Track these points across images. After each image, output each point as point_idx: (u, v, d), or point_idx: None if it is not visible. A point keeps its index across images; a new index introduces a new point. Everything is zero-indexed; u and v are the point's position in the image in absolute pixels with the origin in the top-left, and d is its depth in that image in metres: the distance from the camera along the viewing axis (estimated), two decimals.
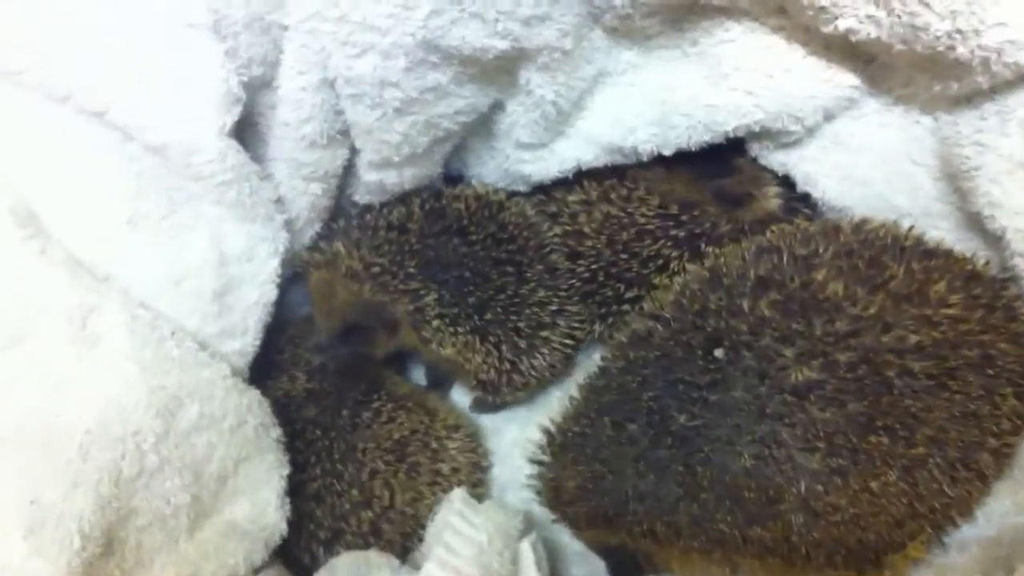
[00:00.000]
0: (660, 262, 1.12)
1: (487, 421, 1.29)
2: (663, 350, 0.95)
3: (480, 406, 1.28)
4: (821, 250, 0.93)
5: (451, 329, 1.11)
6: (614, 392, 0.98)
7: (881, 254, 0.93)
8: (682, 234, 1.12)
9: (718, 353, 0.91)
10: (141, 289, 0.88)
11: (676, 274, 1.09)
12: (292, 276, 1.13)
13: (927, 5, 0.81)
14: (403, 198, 1.14)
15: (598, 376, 1.02)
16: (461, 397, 1.30)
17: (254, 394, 0.96)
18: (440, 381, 1.29)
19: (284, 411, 1.06)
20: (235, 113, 0.89)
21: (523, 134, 1.07)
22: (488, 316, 1.11)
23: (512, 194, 1.19)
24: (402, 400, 1.16)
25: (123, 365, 0.82)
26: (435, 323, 1.11)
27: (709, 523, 0.90)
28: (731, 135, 1.03)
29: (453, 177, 1.21)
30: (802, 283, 0.91)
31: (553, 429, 1.04)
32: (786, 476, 0.87)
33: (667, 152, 1.06)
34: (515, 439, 1.26)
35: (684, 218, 1.12)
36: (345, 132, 1.01)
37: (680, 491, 0.91)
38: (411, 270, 1.10)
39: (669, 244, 1.12)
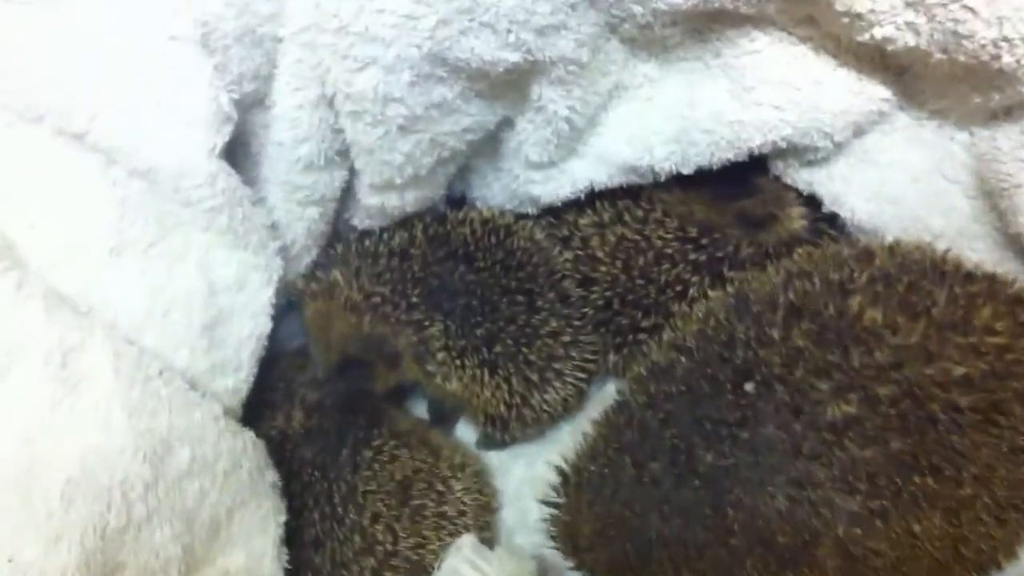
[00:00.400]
0: (679, 288, 1.09)
1: (494, 459, 1.25)
2: (687, 384, 0.91)
3: (487, 443, 1.24)
4: (856, 275, 0.89)
5: (457, 362, 1.08)
6: (634, 429, 0.94)
7: (920, 279, 0.89)
8: (702, 258, 1.09)
9: (748, 387, 0.87)
10: (126, 323, 0.85)
11: (696, 301, 1.05)
12: (286, 306, 1.10)
13: (973, 11, 0.78)
14: (404, 222, 1.11)
15: (616, 411, 0.98)
16: (466, 433, 1.27)
17: (248, 435, 0.93)
18: (444, 416, 1.25)
19: (279, 452, 1.04)
20: (225, 133, 0.86)
21: (533, 153, 1.04)
22: (497, 348, 1.08)
23: (519, 217, 1.16)
24: (404, 437, 1.13)
25: (108, 407, 0.79)
26: (440, 356, 1.08)
27: (739, 570, 0.87)
28: (755, 152, 0.99)
29: (456, 200, 1.19)
30: (837, 310, 0.87)
31: (567, 468, 1.00)
32: (823, 519, 0.83)
33: (686, 171, 1.02)
34: (524, 478, 1.22)
35: (704, 241, 1.09)
36: (344, 152, 0.97)
37: (708, 536, 0.87)
38: (414, 300, 1.07)
39: (688, 269, 1.09)
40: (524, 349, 1.08)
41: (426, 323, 1.07)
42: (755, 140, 0.97)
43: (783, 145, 0.98)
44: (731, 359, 0.89)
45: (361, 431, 1.11)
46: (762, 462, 0.85)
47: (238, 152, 0.94)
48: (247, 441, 0.93)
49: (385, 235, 1.11)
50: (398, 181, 0.99)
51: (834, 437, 0.83)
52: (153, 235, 0.88)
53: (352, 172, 1.02)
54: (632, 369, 1.02)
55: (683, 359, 0.93)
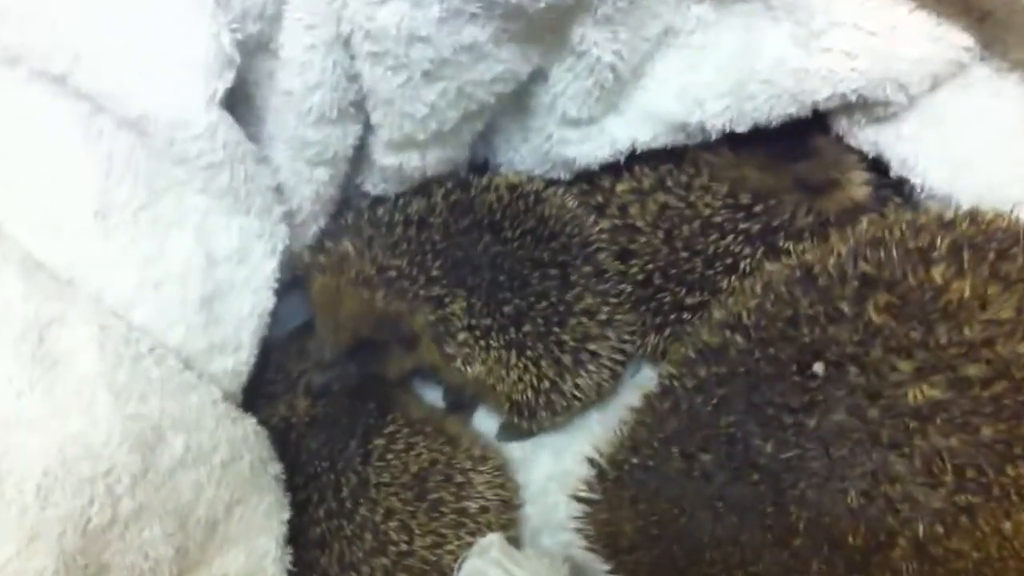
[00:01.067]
0: (728, 261, 1.04)
1: (516, 451, 1.19)
2: (745, 366, 0.86)
3: (509, 433, 1.19)
4: (938, 242, 0.82)
5: (481, 343, 1.03)
6: (682, 416, 0.89)
7: (1011, 246, 0.82)
8: (755, 228, 1.03)
9: (816, 368, 0.81)
10: (113, 296, 0.83)
11: (748, 275, 1.00)
12: (289, 282, 1.04)
13: None
14: (423, 188, 1.06)
15: (660, 397, 0.93)
16: (485, 421, 1.22)
17: (250, 423, 0.91)
18: (462, 403, 1.20)
19: (283, 442, 1.01)
20: (227, 79, 0.81)
21: (571, 107, 0.98)
22: (526, 327, 1.03)
23: (549, 183, 1.11)
24: (419, 425, 1.09)
25: (91, 390, 0.77)
26: (462, 336, 1.03)
27: (802, 574, 0.82)
28: (820, 106, 0.94)
29: (478, 167, 1.14)
30: (919, 282, 0.80)
31: (603, 461, 0.95)
32: (900, 517, 0.77)
33: (740, 129, 0.97)
34: (550, 472, 1.18)
35: (757, 209, 1.03)
36: (359, 104, 0.92)
37: (768, 536, 0.82)
38: (434, 273, 1.02)
39: (739, 240, 1.03)
40: (556, 328, 1.04)
41: (447, 300, 1.03)
42: (821, 92, 0.92)
43: (852, 99, 0.92)
44: (796, 338, 0.84)
45: (372, 418, 1.07)
46: (832, 453, 0.79)
47: (239, 106, 0.89)
48: (248, 429, 0.90)
49: (401, 202, 1.06)
50: (420, 137, 0.94)
51: (916, 424, 0.77)
52: (144, 196, 0.84)
53: (367, 128, 0.97)
54: (677, 351, 0.96)
55: (739, 338, 0.87)
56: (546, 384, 1.06)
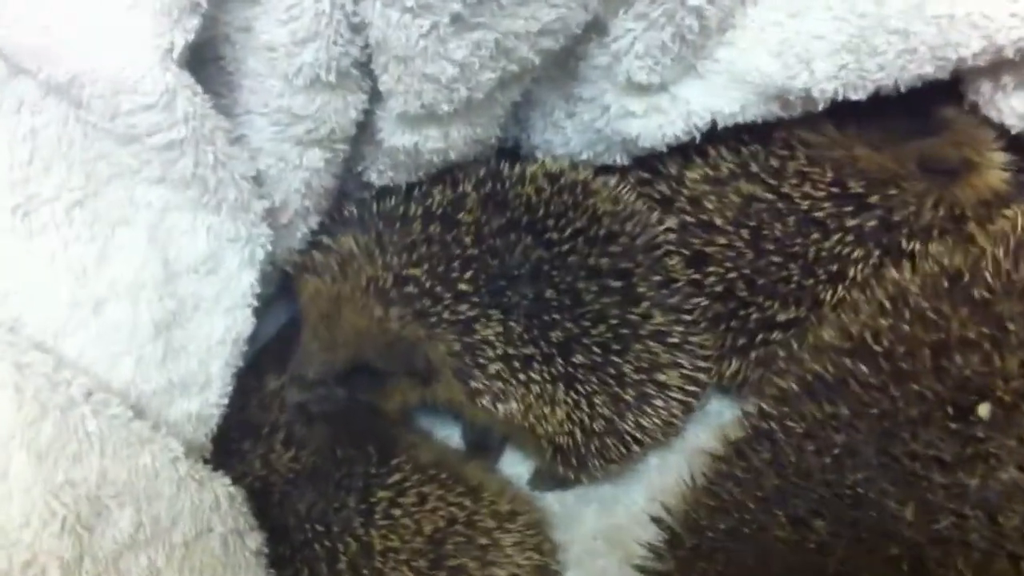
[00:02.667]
0: (834, 267, 0.96)
1: (554, 503, 1.12)
2: (876, 406, 0.80)
3: (545, 480, 1.12)
4: None
5: (519, 377, 0.94)
6: (789, 471, 0.83)
7: None
8: (870, 224, 0.95)
9: (981, 411, 0.76)
10: (35, 321, 0.78)
11: (861, 284, 0.93)
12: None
13: None
14: (443, 178, 0.98)
15: (753, 444, 0.88)
16: (514, 463, 1.15)
17: (220, 484, 0.86)
18: (485, 443, 1.13)
19: (262, 502, 0.96)
20: (189, 28, 0.74)
21: (638, 69, 0.90)
22: (578, 357, 0.94)
23: (598, 170, 1.03)
24: (432, 471, 1.02)
25: (5, 451, 0.72)
26: (494, 368, 0.94)
27: None
28: (968, 64, 0.85)
29: (506, 150, 1.06)
30: None
31: (675, 523, 0.91)
32: None
33: (857, 96, 0.89)
34: (597, 529, 1.10)
35: (873, 199, 0.95)
36: (364, 65, 0.84)
37: None
38: (462, 288, 0.93)
39: (850, 240, 0.95)
40: (615, 357, 0.96)
41: (477, 323, 0.94)
42: (970, 46, 0.82)
43: (1010, 54, 0.83)
44: (948, 369, 0.78)
45: (372, 465, 1.01)
46: (1001, 522, 0.74)
47: (207, 69, 0.84)
48: (219, 493, 0.85)
49: (418, 191, 0.98)
50: (444, 109, 0.85)
51: None
52: (80, 188, 0.80)
53: (373, 97, 0.89)
54: (772, 382, 0.91)
55: (863, 368, 0.81)
56: (600, 424, 0.98)
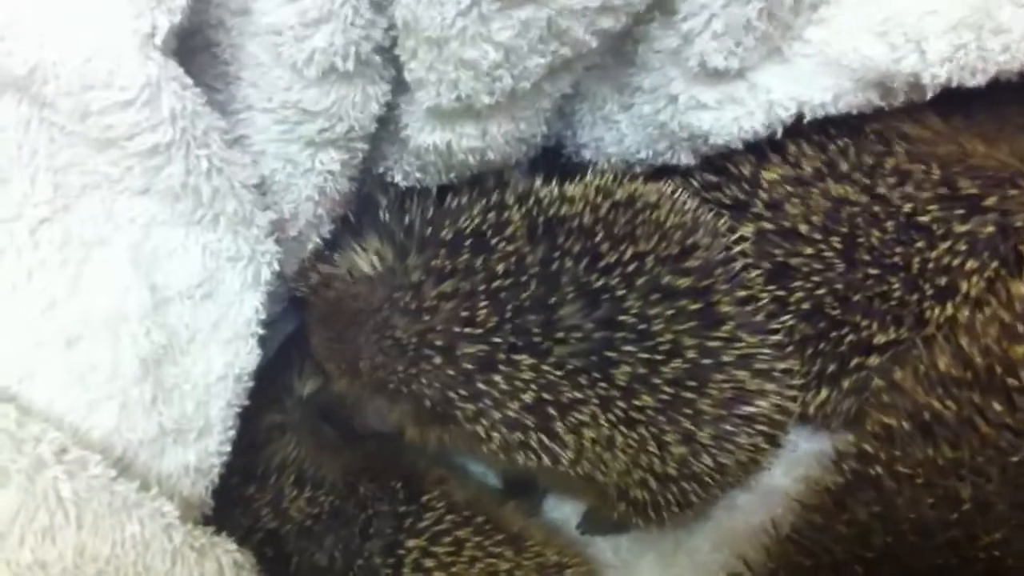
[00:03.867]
0: (943, 281, 0.89)
1: (606, 550, 1.07)
2: (1015, 451, 0.73)
3: (597, 524, 1.07)
4: None
5: (572, 419, 0.86)
6: (903, 526, 0.76)
7: None
8: (986, 230, 0.88)
9: None
10: None
11: (976, 302, 0.86)
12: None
13: None
14: (479, 187, 0.91)
15: (851, 492, 0.81)
16: (561, 505, 1.10)
17: (224, 550, 0.78)
18: (525, 482, 1.08)
19: (273, 562, 0.90)
20: (175, 9, 0.68)
21: (714, 52, 0.81)
22: (644, 398, 0.85)
23: (648, 175, 0.96)
24: (466, 513, 0.97)
25: None
26: (511, 415, 0.87)
27: None
28: None
29: (548, 150, 0.99)
30: None
31: None
32: None
33: (976, 81, 0.80)
34: None
35: (988, 202, 0.88)
36: (388, 50, 0.77)
37: None
38: (493, 322, 0.84)
39: (962, 249, 0.88)
40: (691, 394, 0.87)
41: (523, 366, 0.85)
42: None
43: None
44: None
45: (400, 502, 0.96)
46: None
47: (199, 59, 0.78)
48: (223, 562, 0.78)
49: (455, 203, 0.89)
50: (483, 101, 0.78)
51: None
52: (46, 203, 0.74)
53: (397, 88, 0.82)
54: (873, 418, 0.86)
55: (996, 406, 0.74)
56: (671, 469, 0.91)
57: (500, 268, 0.88)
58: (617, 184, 0.94)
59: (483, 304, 0.87)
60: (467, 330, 0.87)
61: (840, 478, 0.84)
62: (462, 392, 0.88)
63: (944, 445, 0.76)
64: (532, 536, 1.00)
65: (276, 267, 0.84)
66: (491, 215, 0.90)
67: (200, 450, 0.80)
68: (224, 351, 0.82)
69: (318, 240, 0.92)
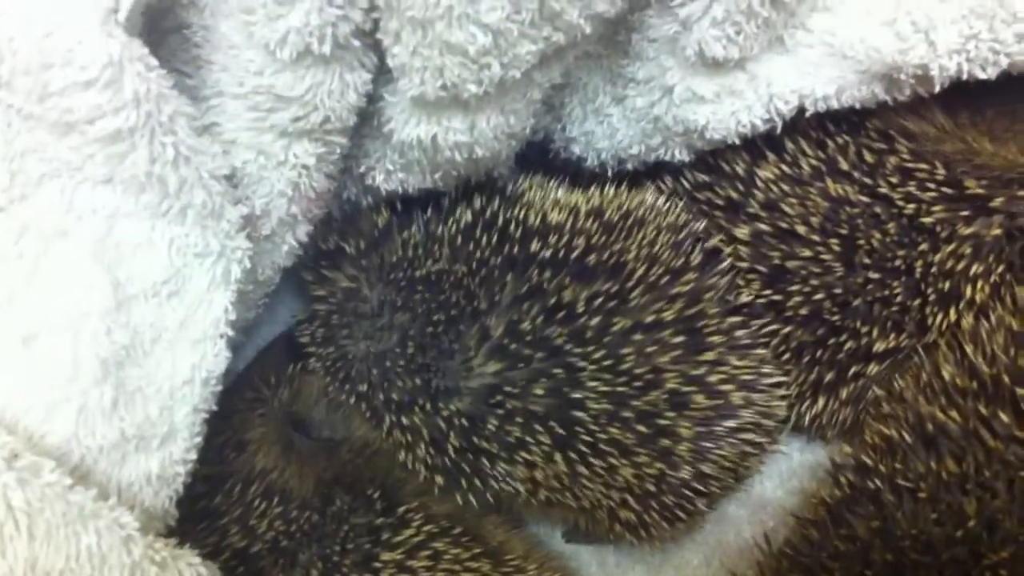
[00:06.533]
0: (947, 285, 0.87)
1: (591, 561, 1.06)
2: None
3: (582, 534, 1.04)
4: None
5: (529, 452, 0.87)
6: (904, 543, 0.73)
7: None
8: (992, 232, 0.86)
9: None
10: None
11: (982, 308, 0.84)
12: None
13: None
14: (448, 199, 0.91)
15: (849, 506, 0.79)
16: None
17: (187, 564, 0.75)
18: None
19: (238, 574, 0.90)
20: None
21: (714, 38, 0.79)
22: (614, 429, 0.85)
23: (633, 181, 0.95)
24: (445, 524, 0.95)
25: None
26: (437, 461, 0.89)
27: None
28: None
29: (535, 144, 0.98)
30: None
31: None
32: None
33: (986, 74, 0.77)
34: None
35: (995, 203, 0.85)
36: (368, 34, 0.74)
37: None
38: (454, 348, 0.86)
39: (967, 252, 0.87)
40: (666, 421, 0.86)
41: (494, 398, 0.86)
42: None
43: None
44: None
45: (376, 513, 0.94)
46: None
47: (167, 41, 0.76)
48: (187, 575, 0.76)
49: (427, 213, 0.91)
50: (472, 90, 0.75)
51: None
52: (3, 191, 0.72)
53: (379, 76, 0.80)
54: (872, 429, 0.83)
55: (1003, 416, 0.71)
56: (650, 485, 0.89)
57: (453, 298, 0.87)
58: (601, 198, 0.92)
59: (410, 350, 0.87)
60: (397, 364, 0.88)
61: (838, 491, 0.82)
62: (389, 420, 0.89)
63: (948, 458, 0.74)
64: (513, 549, 0.98)
65: (247, 264, 0.81)
66: (456, 247, 0.89)
67: (163, 458, 0.77)
68: (191, 352, 0.79)
69: (293, 243, 0.90)
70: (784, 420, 0.97)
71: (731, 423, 0.90)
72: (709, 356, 0.89)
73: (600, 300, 0.87)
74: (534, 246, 0.88)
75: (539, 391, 0.86)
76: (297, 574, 0.91)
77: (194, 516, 0.91)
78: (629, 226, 0.92)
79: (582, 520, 0.98)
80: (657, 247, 0.91)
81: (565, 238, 0.89)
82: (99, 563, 0.68)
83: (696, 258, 0.92)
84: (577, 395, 0.86)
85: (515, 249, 0.89)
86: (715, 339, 0.90)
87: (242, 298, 0.84)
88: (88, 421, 0.72)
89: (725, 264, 0.94)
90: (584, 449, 0.87)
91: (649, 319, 0.87)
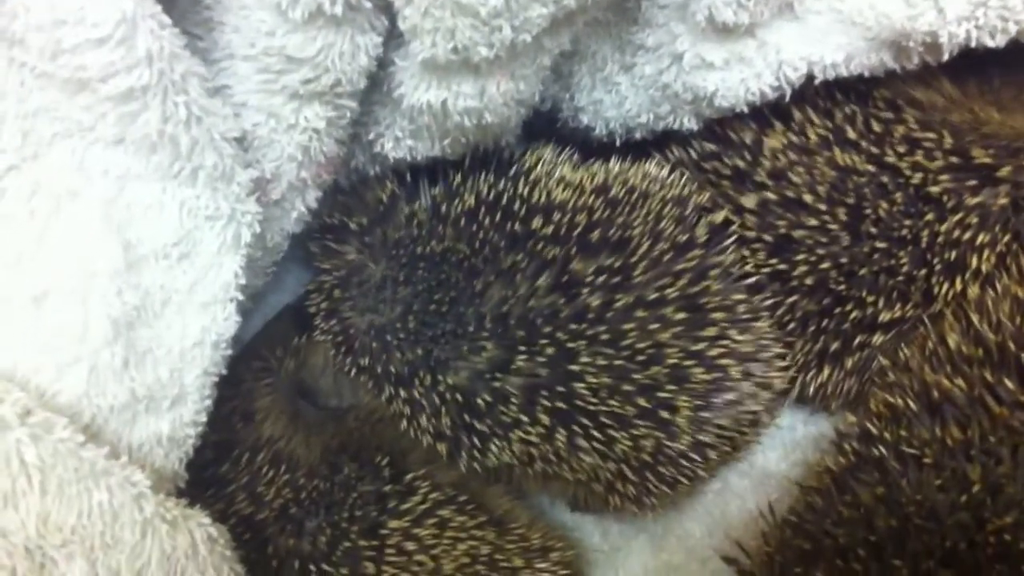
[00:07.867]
0: (952, 255, 0.87)
1: (594, 533, 1.06)
2: None
3: (583, 503, 1.03)
4: None
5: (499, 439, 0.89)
6: (908, 509, 0.73)
7: None
8: (998, 202, 0.85)
9: None
10: None
11: (988, 278, 0.85)
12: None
13: None
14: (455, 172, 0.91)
15: (854, 473, 0.79)
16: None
17: (198, 523, 0.77)
18: None
19: (249, 541, 0.89)
20: None
21: (723, 3, 0.79)
22: (614, 402, 0.85)
23: (630, 151, 0.94)
24: (451, 492, 0.96)
25: None
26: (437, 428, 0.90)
27: None
28: None
29: (542, 114, 0.97)
30: None
31: (757, 569, 0.84)
32: None
33: (995, 42, 0.77)
34: (649, 567, 1.03)
35: (1002, 173, 0.85)
36: None
37: None
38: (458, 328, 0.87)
39: (973, 221, 0.86)
40: (665, 394, 0.86)
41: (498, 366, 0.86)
42: None
43: None
44: None
45: (384, 480, 0.94)
46: None
47: (180, 5, 0.75)
48: (196, 536, 0.76)
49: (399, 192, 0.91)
50: (482, 53, 0.74)
51: None
52: (14, 150, 0.72)
53: (389, 40, 0.80)
54: (877, 397, 0.83)
55: (1009, 383, 0.72)
56: (647, 455, 0.89)
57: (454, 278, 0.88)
58: (606, 174, 0.91)
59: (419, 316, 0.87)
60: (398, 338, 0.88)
61: (842, 459, 0.82)
62: (390, 392, 0.90)
63: (953, 425, 0.74)
64: (517, 518, 0.99)
65: (257, 228, 0.81)
66: (459, 227, 0.89)
67: (174, 419, 0.78)
68: (201, 315, 0.79)
69: (303, 208, 0.89)
70: (785, 392, 0.97)
71: (730, 396, 0.90)
72: (711, 332, 0.89)
73: (604, 276, 0.87)
74: (536, 223, 0.88)
75: (540, 368, 0.86)
76: (304, 541, 0.91)
77: (201, 483, 0.91)
78: (634, 200, 0.92)
79: (580, 492, 0.99)
80: (663, 222, 0.91)
81: (568, 216, 0.89)
82: (111, 520, 0.69)
83: (701, 233, 0.92)
84: (576, 368, 0.87)
85: (518, 226, 0.89)
86: (718, 315, 0.90)
87: (251, 264, 0.83)
88: (99, 381, 0.72)
89: (731, 240, 0.94)
90: (585, 421, 0.88)
91: (653, 296, 0.87)
